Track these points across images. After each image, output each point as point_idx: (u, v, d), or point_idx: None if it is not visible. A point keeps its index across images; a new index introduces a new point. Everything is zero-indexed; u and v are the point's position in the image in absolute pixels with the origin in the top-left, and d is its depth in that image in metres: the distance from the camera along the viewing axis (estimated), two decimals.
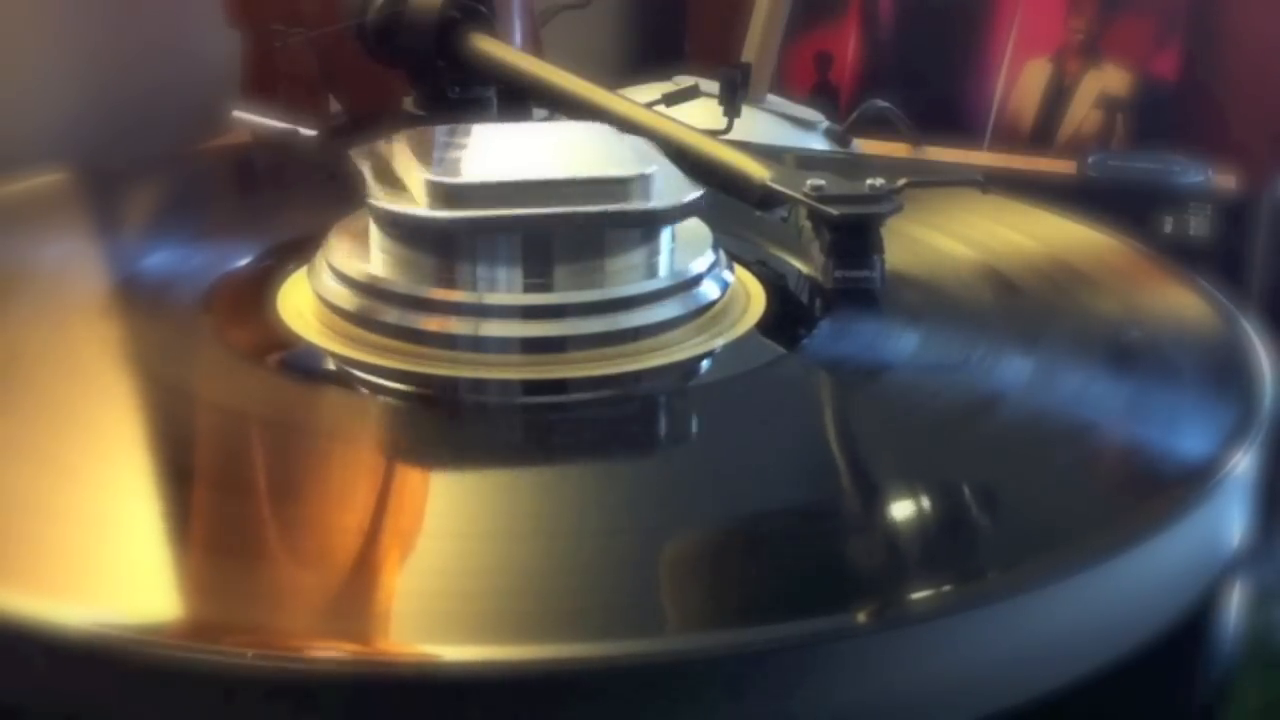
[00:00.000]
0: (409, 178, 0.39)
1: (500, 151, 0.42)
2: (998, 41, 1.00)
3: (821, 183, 0.44)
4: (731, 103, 0.57)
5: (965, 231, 0.49)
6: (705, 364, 0.40)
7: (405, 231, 0.39)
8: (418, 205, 0.38)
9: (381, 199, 0.39)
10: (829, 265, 0.43)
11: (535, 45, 0.74)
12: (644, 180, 0.39)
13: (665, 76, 0.70)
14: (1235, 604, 0.35)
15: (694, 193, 0.40)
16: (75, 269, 0.45)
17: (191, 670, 0.26)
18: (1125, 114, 0.98)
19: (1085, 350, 0.41)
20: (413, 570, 0.30)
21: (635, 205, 0.39)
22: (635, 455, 0.36)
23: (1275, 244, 0.57)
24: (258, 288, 0.43)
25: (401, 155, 0.40)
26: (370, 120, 0.62)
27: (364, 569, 0.30)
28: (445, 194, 0.38)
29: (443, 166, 0.39)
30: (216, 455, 0.35)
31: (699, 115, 0.54)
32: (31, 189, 0.52)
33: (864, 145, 0.75)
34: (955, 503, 0.33)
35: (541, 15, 0.79)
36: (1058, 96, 0.99)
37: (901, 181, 0.44)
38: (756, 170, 0.46)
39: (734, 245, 0.45)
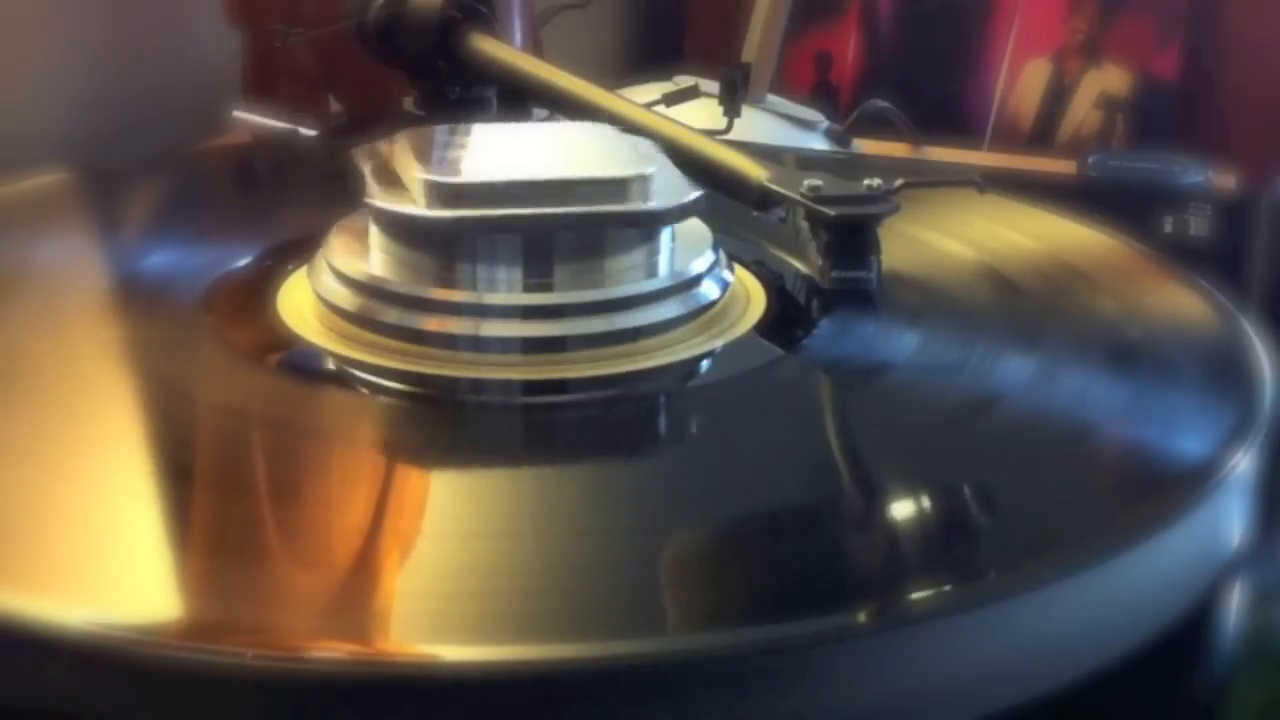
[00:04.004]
0: (408, 177, 0.39)
1: (500, 152, 0.42)
2: (998, 41, 1.00)
3: (819, 183, 0.44)
4: (731, 103, 0.57)
5: (965, 231, 0.49)
6: (705, 364, 0.40)
7: (404, 231, 0.39)
8: (416, 205, 0.38)
9: (379, 199, 0.39)
10: (826, 265, 0.43)
11: (535, 45, 0.74)
12: (643, 181, 0.39)
13: (665, 76, 0.70)
14: (1235, 604, 0.35)
15: (693, 193, 0.40)
16: (75, 269, 0.45)
17: (191, 670, 0.26)
18: (1125, 114, 0.98)
19: (1085, 350, 0.41)
20: (413, 570, 0.30)
21: (634, 206, 0.39)
22: (635, 455, 0.36)
23: (1275, 244, 0.57)
24: (258, 288, 0.43)
25: (401, 155, 0.40)
26: (370, 120, 0.62)
27: (364, 569, 0.30)
28: (443, 194, 0.38)
29: (442, 166, 0.39)
30: (216, 455, 0.35)
31: (699, 115, 0.54)
32: (31, 189, 0.52)
33: (864, 145, 0.75)
34: (955, 503, 0.33)
35: (541, 15, 0.79)
36: (1058, 96, 0.99)
37: (899, 182, 0.44)
38: (754, 170, 0.46)
39: (733, 245, 0.45)
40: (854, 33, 1.03)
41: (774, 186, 0.45)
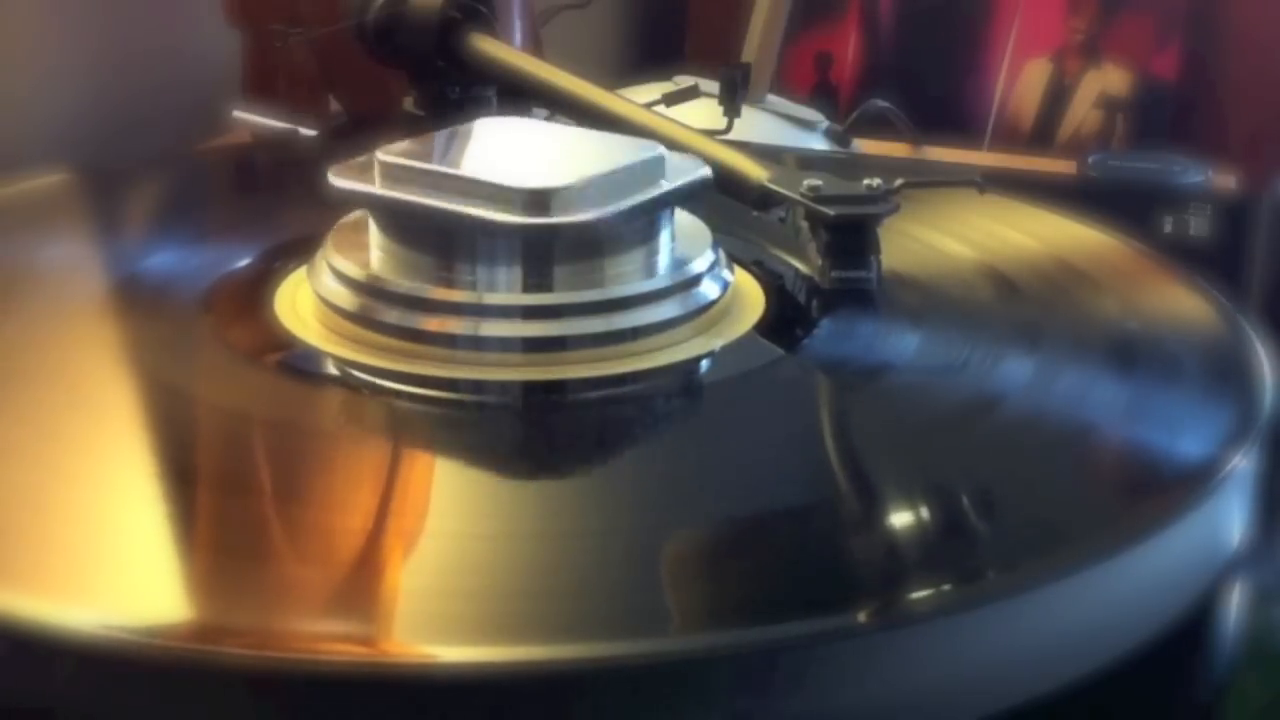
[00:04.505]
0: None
1: (498, 151, 0.42)
2: (998, 41, 1.00)
3: (818, 183, 0.44)
4: (731, 103, 0.57)
5: (965, 231, 0.49)
6: (705, 364, 0.40)
7: (398, 223, 0.39)
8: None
9: (335, 173, 0.39)
10: (826, 265, 0.43)
11: (535, 45, 0.74)
12: (543, 194, 0.38)
13: (665, 76, 0.70)
14: (1235, 604, 0.35)
15: (593, 213, 0.38)
16: (75, 269, 0.45)
17: (192, 670, 0.26)
18: (1125, 114, 0.98)
19: (1085, 350, 0.41)
20: (413, 570, 0.30)
21: (511, 217, 0.38)
22: (635, 455, 0.36)
23: (1275, 244, 0.57)
24: (258, 288, 0.43)
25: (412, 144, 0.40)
26: (370, 120, 0.62)
27: (365, 569, 0.30)
28: (381, 173, 0.39)
29: (396, 153, 0.39)
30: (217, 456, 0.35)
31: (699, 115, 0.54)
32: (31, 189, 0.52)
33: (864, 145, 0.75)
34: (955, 503, 0.33)
35: (541, 15, 0.79)
36: (1058, 96, 0.99)
37: (898, 182, 0.44)
38: (754, 170, 0.46)
39: (733, 245, 0.45)
40: (854, 33, 1.03)
41: (774, 186, 0.45)
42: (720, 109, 0.57)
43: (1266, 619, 0.36)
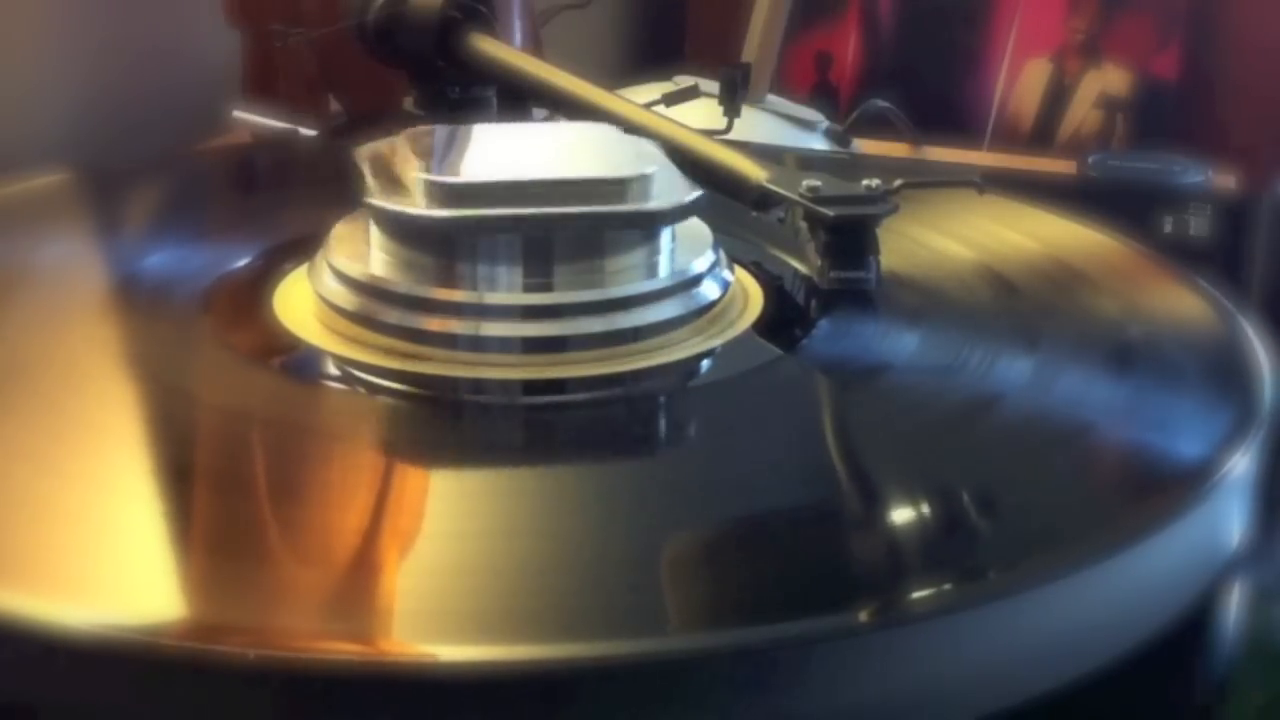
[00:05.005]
0: (408, 177, 0.39)
1: (501, 151, 0.42)
2: (998, 41, 1.00)
3: (817, 183, 0.44)
4: (731, 103, 0.57)
5: (964, 232, 0.49)
6: (705, 364, 0.40)
7: (403, 231, 0.39)
8: (415, 205, 0.38)
9: (378, 198, 0.39)
10: (825, 266, 0.43)
11: (535, 45, 0.74)
12: (642, 181, 0.39)
13: (665, 76, 0.70)
14: (1235, 604, 0.35)
15: (693, 193, 0.40)
16: (75, 269, 0.45)
17: (193, 669, 0.26)
18: (1125, 114, 0.98)
19: (1085, 350, 0.41)
20: (412, 570, 0.30)
21: (632, 206, 0.39)
22: (635, 455, 0.36)
23: (1275, 244, 0.57)
24: (257, 288, 0.43)
25: (402, 155, 0.40)
26: (370, 120, 0.62)
27: (364, 569, 0.30)
28: (442, 193, 0.38)
29: (442, 166, 0.39)
30: (217, 456, 0.35)
31: (699, 115, 0.54)
32: (31, 189, 0.52)
33: (864, 145, 0.75)
34: (955, 502, 0.33)
35: (541, 15, 0.79)
36: (1058, 96, 0.99)
37: (897, 182, 0.44)
38: (753, 171, 0.46)
39: (733, 245, 0.45)
40: (854, 33, 1.03)
41: (773, 187, 0.45)
42: (720, 109, 0.57)
43: (1266, 619, 0.36)
